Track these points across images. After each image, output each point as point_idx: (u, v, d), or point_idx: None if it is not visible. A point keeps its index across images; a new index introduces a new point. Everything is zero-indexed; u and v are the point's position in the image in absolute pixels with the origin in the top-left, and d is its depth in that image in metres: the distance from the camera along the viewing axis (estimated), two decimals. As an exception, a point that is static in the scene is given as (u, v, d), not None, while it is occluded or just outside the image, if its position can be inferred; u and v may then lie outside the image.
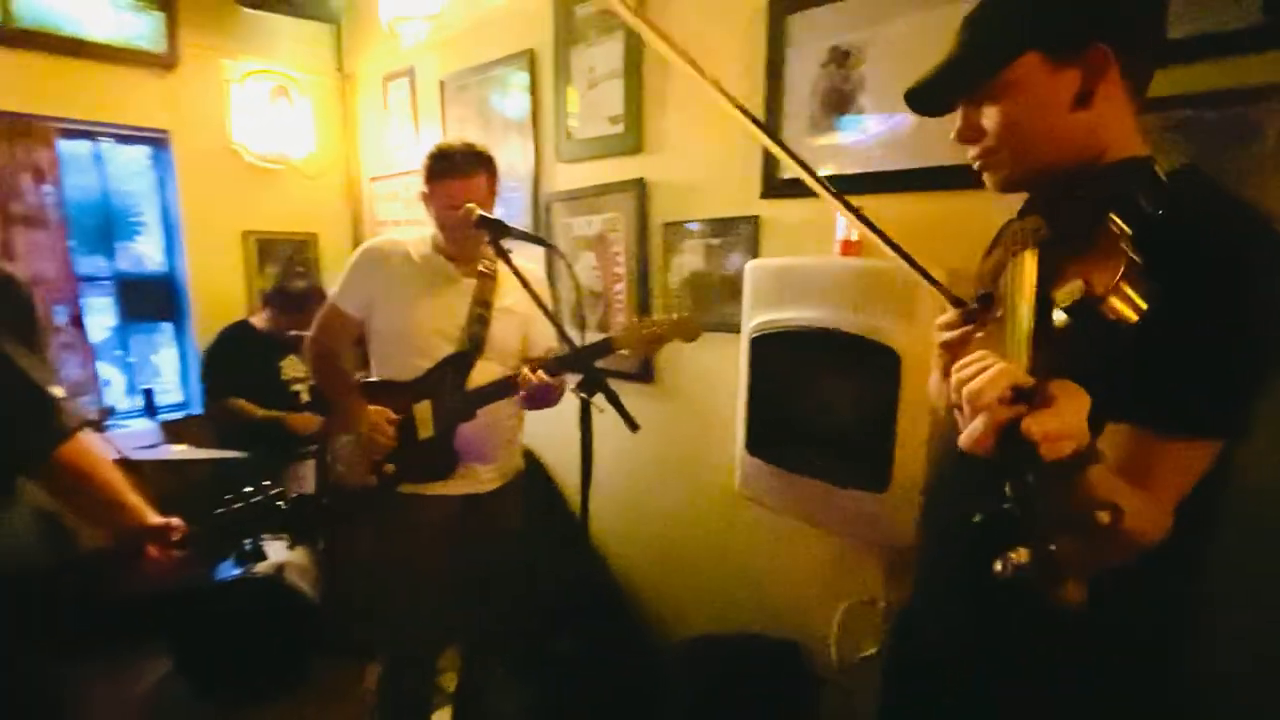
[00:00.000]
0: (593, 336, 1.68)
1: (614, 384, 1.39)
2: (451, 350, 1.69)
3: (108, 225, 3.26)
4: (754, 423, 1.87)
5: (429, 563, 1.72)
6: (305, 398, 2.89)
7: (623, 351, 1.65)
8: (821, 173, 1.76)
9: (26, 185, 2.77)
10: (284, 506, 1.26)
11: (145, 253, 3.41)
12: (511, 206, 2.75)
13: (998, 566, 0.54)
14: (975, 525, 0.55)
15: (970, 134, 0.86)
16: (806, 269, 1.71)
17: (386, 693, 1.85)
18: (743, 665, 1.92)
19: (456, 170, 1.61)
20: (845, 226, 1.71)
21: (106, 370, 3.25)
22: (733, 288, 2.03)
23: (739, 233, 2.02)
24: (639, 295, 2.33)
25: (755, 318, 1.82)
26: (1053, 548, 0.51)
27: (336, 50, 3.61)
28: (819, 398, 1.70)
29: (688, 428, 2.25)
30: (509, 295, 1.75)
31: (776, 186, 1.92)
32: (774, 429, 1.83)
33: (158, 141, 3.24)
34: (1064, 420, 0.54)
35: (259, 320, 2.91)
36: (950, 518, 0.91)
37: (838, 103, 1.78)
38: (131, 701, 2.32)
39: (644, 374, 2.35)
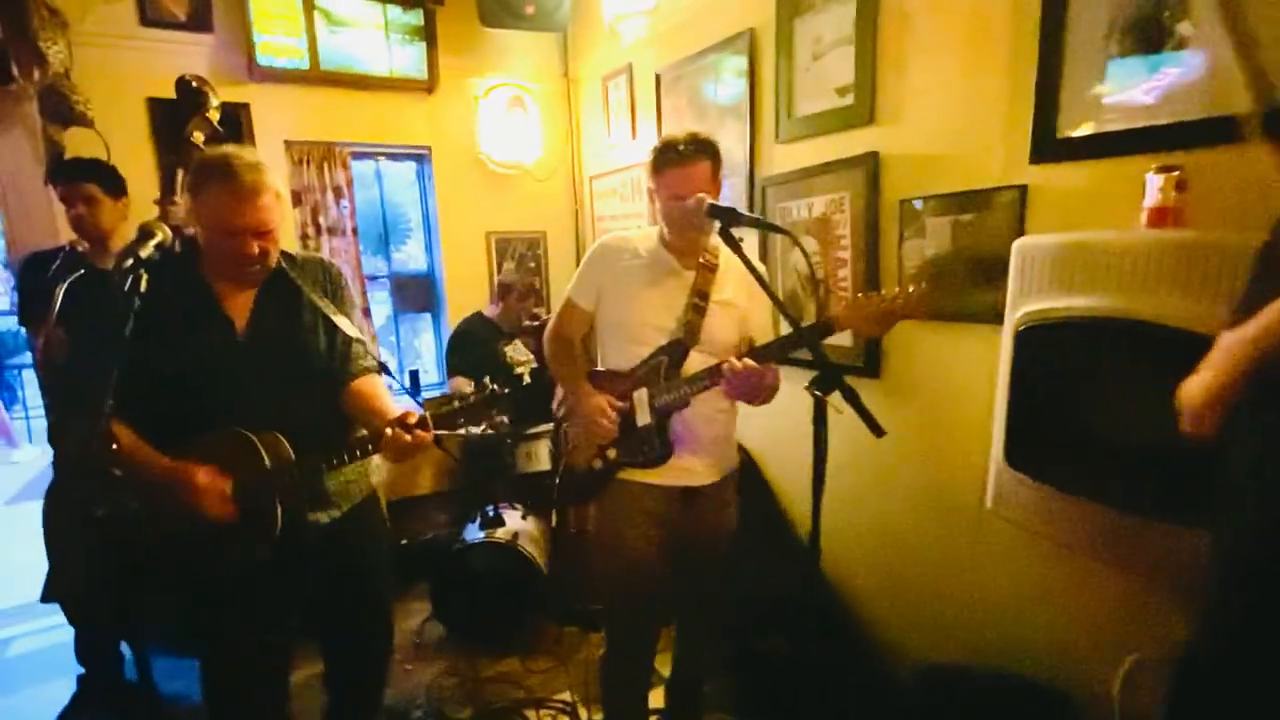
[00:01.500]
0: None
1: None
2: (665, 338, 1.66)
3: (384, 232, 3.78)
4: (1017, 431, 1.55)
5: (645, 549, 1.71)
6: (527, 380, 3.08)
7: (845, 333, 1.48)
8: (1127, 126, 1.41)
9: (329, 202, 3.30)
10: (500, 394, 1.39)
11: (412, 254, 3.90)
12: (726, 194, 2.63)
13: None
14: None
15: None
16: (1101, 246, 1.35)
17: (608, 668, 1.88)
18: (999, 707, 1.63)
19: (679, 159, 1.57)
20: (1157, 188, 1.32)
21: (384, 354, 3.80)
22: (986, 271, 1.73)
23: (998, 206, 1.70)
24: (866, 280, 2.09)
25: (1024, 306, 1.50)
26: None
27: (563, 56, 3.78)
28: (1114, 405, 1.35)
29: (922, 431, 1.98)
30: (727, 288, 1.69)
31: (1054, 147, 1.57)
32: (1045, 440, 1.51)
33: (421, 157, 3.67)
34: None
35: (490, 311, 3.18)
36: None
37: (1147, 36, 1.37)
38: (403, 636, 2.66)
39: (869, 367, 2.11)
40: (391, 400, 1.45)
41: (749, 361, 1.48)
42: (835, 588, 2.32)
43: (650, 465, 1.68)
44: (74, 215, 2.05)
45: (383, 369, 1.53)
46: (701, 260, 1.68)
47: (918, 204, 1.91)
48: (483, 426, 1.40)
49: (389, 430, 1.30)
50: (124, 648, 2.32)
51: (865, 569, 2.24)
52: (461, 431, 1.41)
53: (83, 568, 1.75)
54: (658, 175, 1.61)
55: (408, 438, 1.29)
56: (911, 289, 1.43)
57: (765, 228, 1.40)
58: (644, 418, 1.66)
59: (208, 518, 1.27)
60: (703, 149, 1.58)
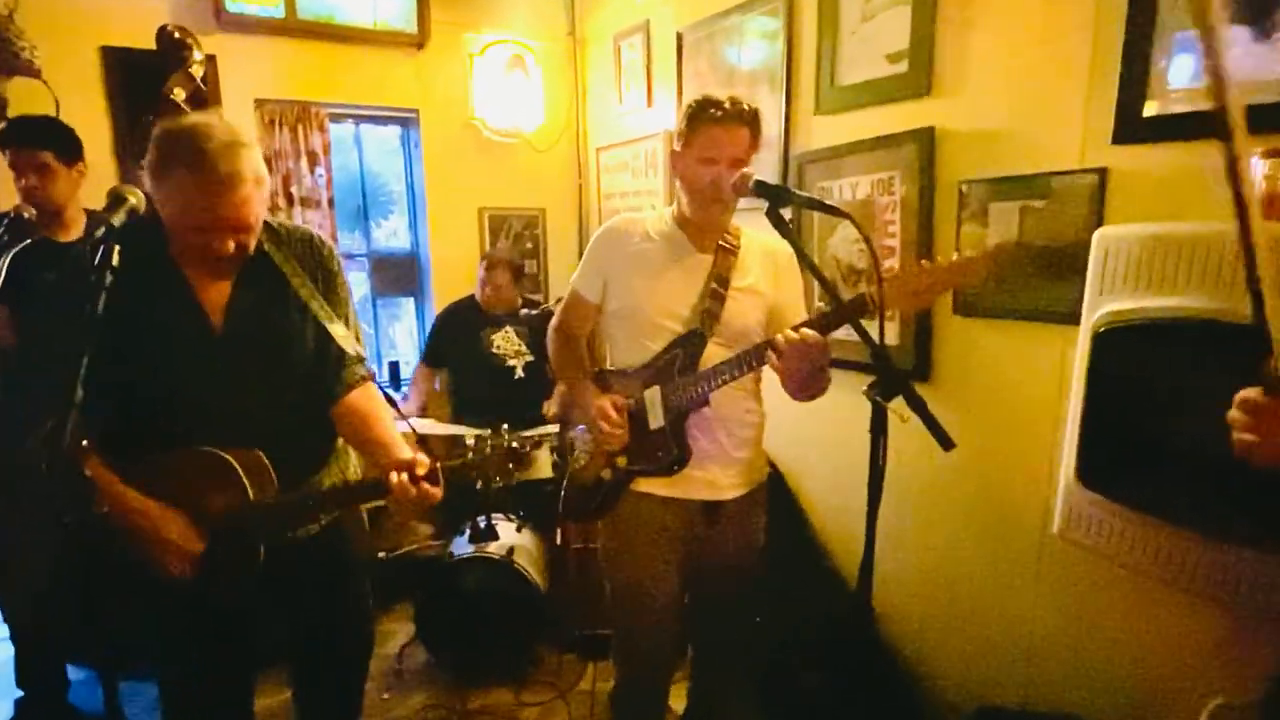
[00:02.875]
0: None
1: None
2: (680, 329, 1.62)
3: (364, 204, 3.73)
4: (1092, 446, 1.54)
5: (661, 571, 1.69)
6: (520, 374, 3.08)
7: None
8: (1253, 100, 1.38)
9: (303, 169, 3.26)
10: (517, 447, 1.33)
11: (394, 230, 3.86)
12: (755, 170, 2.61)
13: None
14: None
15: None
16: (1196, 239, 1.33)
17: (618, 703, 1.86)
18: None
19: (719, 119, 1.53)
20: (1264, 174, 1.30)
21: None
22: (1057, 264, 1.71)
23: (1074, 192, 1.68)
24: (917, 273, 2.06)
25: (1104, 305, 1.48)
26: None
27: (569, 11, 3.74)
28: (1205, 419, 1.33)
29: (979, 444, 1.96)
30: (750, 273, 1.66)
31: (1140, 127, 1.55)
32: (1124, 457, 1.49)
33: (407, 121, 3.63)
34: None
35: (480, 294, 3.16)
36: None
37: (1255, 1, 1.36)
38: (381, 661, 2.63)
39: (919, 369, 2.10)
40: (391, 423, 1.39)
41: (808, 332, 1.36)
42: (878, 616, 2.30)
43: (665, 472, 1.64)
44: (24, 187, 2.00)
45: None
46: (721, 242, 1.65)
47: (979, 187, 1.89)
48: (498, 482, 1.34)
49: (394, 478, 1.24)
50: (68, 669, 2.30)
51: (911, 596, 2.22)
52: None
53: (41, 578, 1.72)
54: (690, 132, 1.57)
55: (414, 492, 1.24)
56: (963, 255, 1.37)
57: (818, 208, 1.37)
58: (657, 419, 1.62)
59: (162, 572, 1.23)
60: (746, 116, 1.56)
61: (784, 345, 1.39)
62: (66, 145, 2.05)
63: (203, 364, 1.29)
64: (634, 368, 1.68)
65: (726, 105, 1.54)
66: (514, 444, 1.32)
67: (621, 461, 1.67)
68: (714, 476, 1.67)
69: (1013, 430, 1.88)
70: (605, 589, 1.78)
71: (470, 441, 1.33)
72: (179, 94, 1.58)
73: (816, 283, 1.39)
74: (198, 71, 1.65)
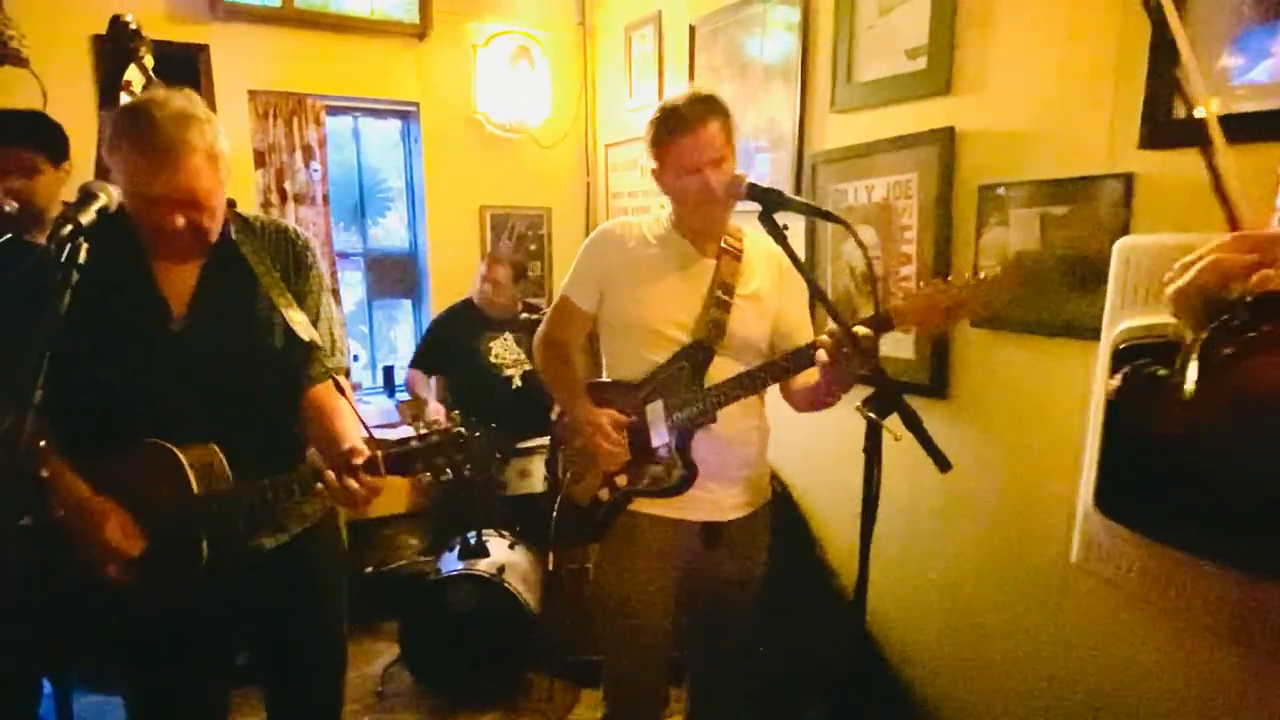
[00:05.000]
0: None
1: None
2: (684, 340, 1.64)
3: (361, 202, 3.80)
4: (1113, 470, 1.53)
5: (656, 596, 1.70)
6: (517, 383, 3.12)
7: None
8: (1262, 107, 1.39)
9: (298, 164, 3.33)
10: (466, 439, 1.33)
11: (392, 229, 3.93)
12: (767, 171, 2.64)
13: None
14: None
15: None
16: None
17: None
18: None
19: (687, 124, 1.54)
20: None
21: (354, 346, 3.82)
22: (1082, 275, 1.72)
23: (1099, 198, 1.69)
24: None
25: (1125, 320, 1.48)
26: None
27: (579, 1, 3.79)
28: (1237, 444, 1.32)
29: (997, 466, 1.96)
30: (755, 279, 1.67)
31: (1169, 130, 1.55)
32: (1147, 482, 1.48)
33: (408, 114, 3.70)
34: None
35: (478, 297, 3.21)
36: None
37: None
38: (363, 681, 2.67)
39: (935, 386, 2.10)
40: (353, 421, 1.40)
41: (863, 329, 1.33)
42: (887, 650, 2.30)
43: (670, 493, 1.66)
44: (6, 189, 1.97)
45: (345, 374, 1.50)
46: (724, 245, 1.66)
47: (1001, 191, 1.90)
48: (448, 474, 1.35)
49: (330, 473, 1.26)
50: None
51: (924, 629, 2.22)
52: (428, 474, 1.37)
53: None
54: (663, 149, 1.58)
55: (353, 484, 1.26)
56: (983, 274, 1.39)
57: (815, 214, 1.39)
58: (660, 436, 1.64)
59: (97, 574, 1.25)
60: (710, 106, 1.56)
61: (833, 348, 1.33)
62: (55, 143, 2.04)
63: (160, 355, 1.32)
64: (633, 380, 1.68)
65: (684, 110, 1.54)
66: (462, 432, 1.32)
67: (621, 481, 1.68)
68: (717, 496, 1.68)
69: (1034, 452, 1.88)
70: (598, 616, 1.80)
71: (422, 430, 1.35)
72: (137, 85, 1.64)
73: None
74: (149, 62, 1.71)
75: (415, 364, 3.29)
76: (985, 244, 1.95)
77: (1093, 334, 1.65)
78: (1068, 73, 1.75)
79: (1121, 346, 1.49)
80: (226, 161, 1.31)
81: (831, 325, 1.35)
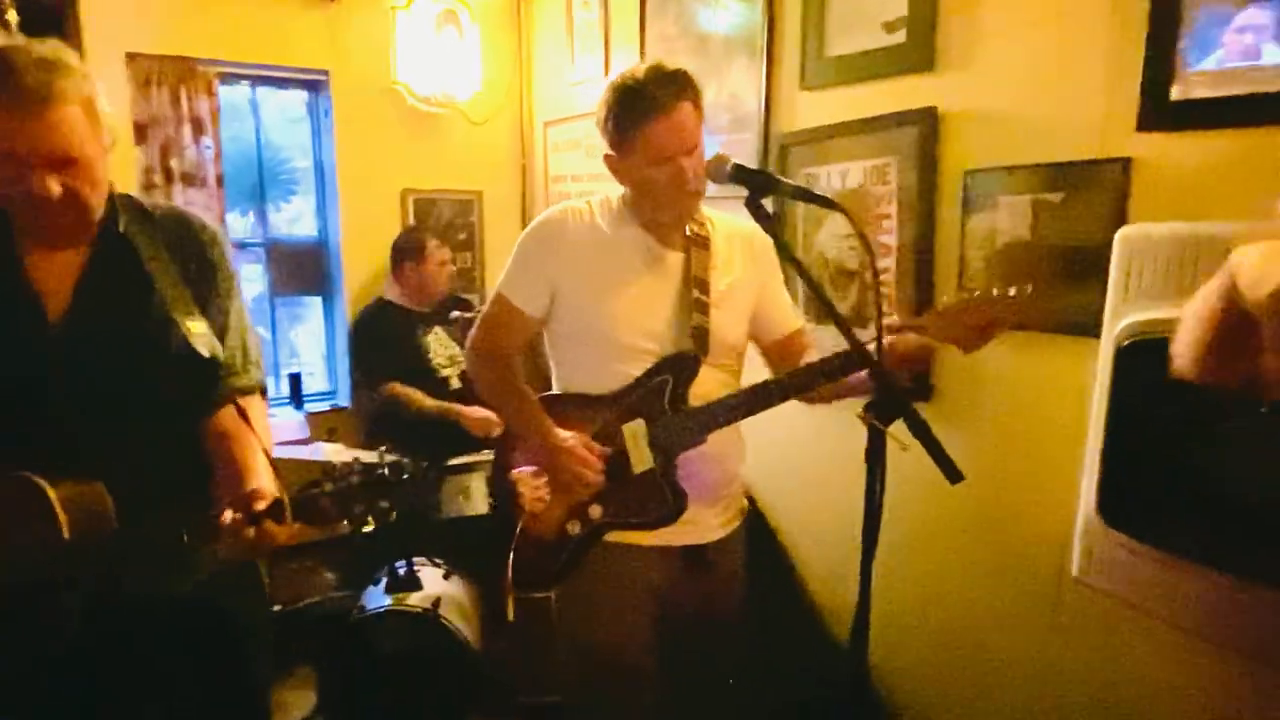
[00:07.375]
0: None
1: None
2: (659, 350, 1.58)
3: (260, 183, 3.63)
4: (1115, 477, 1.57)
5: (635, 633, 1.64)
6: (455, 384, 3.06)
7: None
8: (1269, 89, 1.44)
9: (186, 139, 3.14)
10: (392, 482, 1.24)
11: (298, 215, 3.77)
12: (731, 152, 2.62)
13: None
14: None
15: None
16: (1238, 240, 1.36)
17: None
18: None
19: (656, 106, 1.46)
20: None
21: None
22: (1077, 267, 1.75)
23: (1095, 184, 1.73)
24: (918, 273, 2.11)
25: (1129, 315, 1.53)
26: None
27: (514, -39, 3.73)
28: (1248, 448, 1.36)
29: (987, 473, 1.98)
30: (731, 269, 1.65)
31: (1169, 111, 1.59)
32: (1152, 490, 1.52)
33: (316, 85, 3.55)
34: None
35: (391, 292, 3.17)
36: None
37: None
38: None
39: (917, 386, 2.12)
40: (257, 448, 1.31)
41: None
42: (873, 673, 2.31)
43: (655, 525, 1.59)
44: None
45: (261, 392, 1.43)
46: (689, 233, 1.62)
47: (987, 177, 1.93)
48: (369, 523, 1.25)
49: (227, 516, 1.17)
50: None
51: (910, 646, 2.25)
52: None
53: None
54: (627, 135, 1.50)
55: (250, 533, 1.18)
56: (1014, 290, 1.41)
57: (808, 199, 1.36)
58: (643, 461, 1.56)
59: None
60: (682, 85, 1.49)
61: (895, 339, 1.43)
62: None
63: (32, 361, 1.23)
64: (599, 394, 1.61)
65: (653, 90, 1.46)
66: (385, 474, 1.22)
67: (595, 513, 1.60)
68: (701, 517, 1.64)
69: (1027, 458, 1.91)
70: (554, 646, 1.74)
71: (336, 463, 1.24)
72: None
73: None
74: (12, 19, 1.61)
75: (377, 376, 3.09)
76: (971, 234, 1.97)
77: (1087, 329, 1.69)
78: (1059, 49, 1.78)
79: (1126, 343, 1.53)
80: (110, 127, 1.22)
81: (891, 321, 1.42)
